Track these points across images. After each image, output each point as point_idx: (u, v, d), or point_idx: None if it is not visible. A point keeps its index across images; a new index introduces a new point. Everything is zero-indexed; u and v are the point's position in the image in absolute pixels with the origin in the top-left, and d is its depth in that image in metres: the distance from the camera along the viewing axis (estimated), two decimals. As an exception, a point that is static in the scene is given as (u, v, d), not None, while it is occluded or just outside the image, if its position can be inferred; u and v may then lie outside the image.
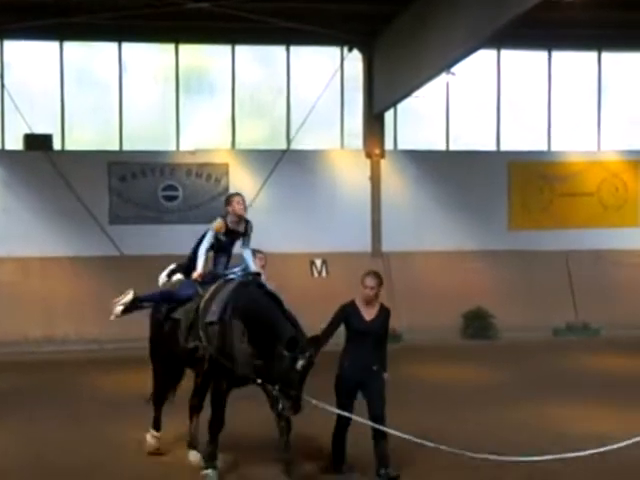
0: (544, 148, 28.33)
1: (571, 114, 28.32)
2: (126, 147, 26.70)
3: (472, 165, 27.41)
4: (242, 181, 26.60)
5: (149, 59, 27.00)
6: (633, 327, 24.70)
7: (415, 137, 28.13)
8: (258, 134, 27.97)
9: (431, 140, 28.09)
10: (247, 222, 11.61)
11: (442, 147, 28.05)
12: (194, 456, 11.34)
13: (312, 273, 26.53)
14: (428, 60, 22.00)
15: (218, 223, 11.41)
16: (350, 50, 27.26)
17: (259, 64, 27.60)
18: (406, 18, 23.67)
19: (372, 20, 25.49)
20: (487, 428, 13.21)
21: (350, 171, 27.30)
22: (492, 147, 28.12)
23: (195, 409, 11.68)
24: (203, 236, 11.52)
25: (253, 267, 11.39)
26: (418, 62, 22.61)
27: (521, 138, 28.23)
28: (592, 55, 28.34)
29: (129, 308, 11.43)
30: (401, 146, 27.98)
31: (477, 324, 25.33)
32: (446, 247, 26.86)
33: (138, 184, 26.46)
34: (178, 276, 11.73)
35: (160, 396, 11.85)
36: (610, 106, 28.45)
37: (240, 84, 27.27)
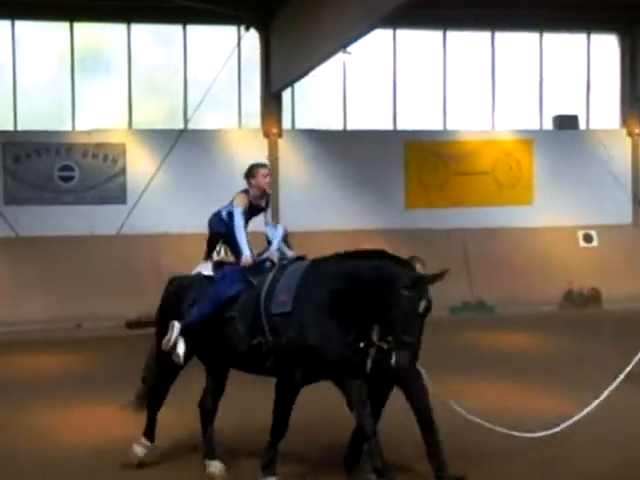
0: (440, 127, 28.68)
1: (466, 94, 28.70)
2: (20, 127, 26.30)
3: (369, 144, 27.62)
4: (139, 161, 26.45)
5: (43, 37, 26.60)
6: (527, 304, 25.22)
7: (313, 116, 28.25)
8: (155, 114, 27.79)
9: (329, 119, 28.23)
10: (268, 196, 10.39)
11: (339, 126, 28.21)
12: (216, 467, 9.97)
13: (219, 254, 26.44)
14: (324, 39, 22.06)
15: (240, 198, 10.07)
16: (247, 29, 27.20)
17: (156, 43, 27.39)
18: (303, -3, 23.72)
19: (269, -1, 25.51)
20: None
21: (248, 150, 27.22)
22: (389, 126, 28.37)
23: (210, 414, 10.27)
24: (219, 218, 10.15)
25: (285, 247, 10.22)
26: (314, 41, 22.67)
27: (417, 117, 28.52)
28: (486, 35, 28.74)
29: (186, 343, 9.81)
30: (299, 125, 28.07)
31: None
32: (344, 226, 27.01)
33: (33, 164, 26.09)
34: (202, 270, 10.20)
35: (159, 397, 10.43)
36: (504, 86, 28.90)
37: (136, 63, 27.04)
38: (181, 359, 9.80)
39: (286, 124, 27.84)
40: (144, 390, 10.53)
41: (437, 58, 28.59)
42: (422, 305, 8.61)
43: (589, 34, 29.20)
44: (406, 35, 28.23)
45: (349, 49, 23.13)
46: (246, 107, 27.81)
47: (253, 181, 10.11)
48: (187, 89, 27.27)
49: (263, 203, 10.27)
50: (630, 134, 29.32)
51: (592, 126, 29.47)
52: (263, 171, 10.17)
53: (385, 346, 8.64)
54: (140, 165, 26.37)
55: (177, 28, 27.11)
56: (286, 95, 27.64)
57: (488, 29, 28.57)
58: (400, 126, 28.38)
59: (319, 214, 27.14)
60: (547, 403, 13.09)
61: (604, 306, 26.16)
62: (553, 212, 28.13)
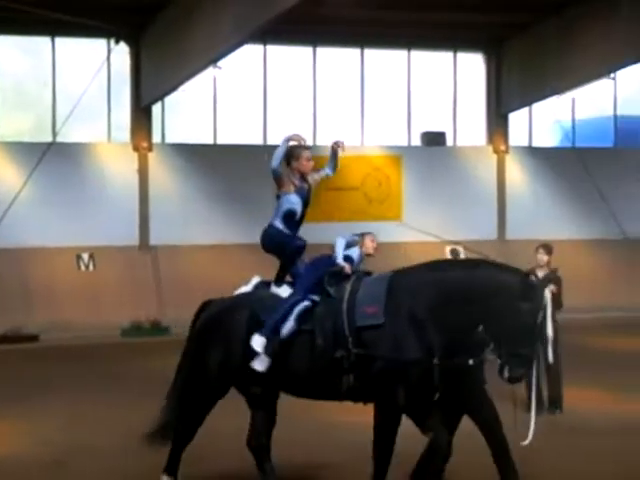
0: (310, 142, 28.79)
1: (336, 109, 28.99)
2: None
3: (239, 158, 27.63)
4: (6, 174, 25.98)
5: None
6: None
7: (183, 130, 28.19)
8: (23, 126, 27.37)
9: (199, 133, 28.20)
10: (308, 183, 9.28)
11: (210, 140, 28.19)
12: None
13: (79, 267, 26.15)
14: (195, 54, 22.10)
15: (285, 183, 9.07)
16: (117, 42, 26.98)
17: (23, 55, 26.99)
18: (172, 11, 23.69)
19: (139, 12, 25.35)
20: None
21: (117, 164, 27.07)
22: (259, 141, 28.47)
23: (266, 450, 9.22)
24: (275, 230, 9.14)
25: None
26: (185, 56, 22.67)
27: (287, 132, 28.56)
28: (355, 52, 29.10)
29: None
30: (169, 139, 27.97)
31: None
32: (214, 240, 27.00)
33: None
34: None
35: (192, 429, 9.30)
36: (373, 102, 29.28)
37: (3, 75, 26.60)
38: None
39: (156, 138, 27.70)
40: (168, 420, 9.26)
41: (307, 74, 28.82)
42: (540, 315, 8.35)
43: (455, 52, 29.82)
44: (276, 50, 28.40)
45: (219, 64, 23.20)
46: (116, 120, 27.59)
47: (295, 164, 9.15)
48: (56, 102, 26.91)
49: (306, 188, 9.20)
50: (496, 151, 30.00)
51: (459, 143, 30.09)
52: (306, 154, 9.28)
53: (498, 360, 8.16)
54: (6, 179, 25.90)
55: (45, 40, 26.75)
56: (156, 109, 27.52)
57: (357, 46, 28.93)
58: (270, 141, 28.48)
59: (189, 228, 27.06)
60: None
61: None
62: (421, 227, 28.55)
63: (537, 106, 29.97)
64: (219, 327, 9.05)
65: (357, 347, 8.35)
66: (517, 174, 30.16)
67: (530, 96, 28.72)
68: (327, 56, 28.93)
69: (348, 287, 8.68)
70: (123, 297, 25.35)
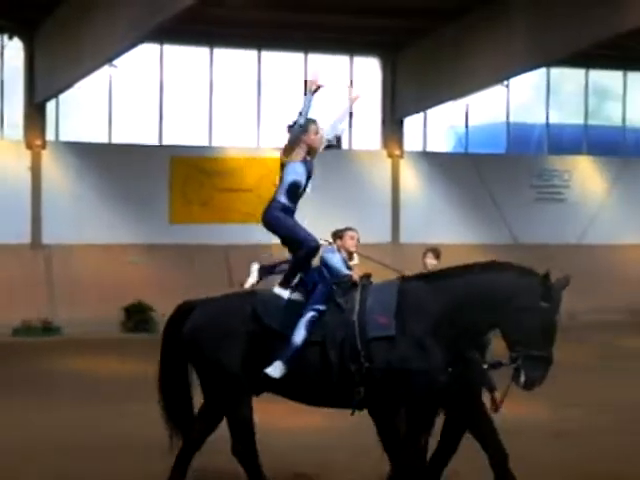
0: (205, 143, 28.79)
1: (232, 111, 28.94)
2: None
3: (134, 158, 27.43)
4: None
5: None
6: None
7: (78, 129, 27.85)
8: None
9: (94, 132, 27.88)
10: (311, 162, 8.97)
11: (105, 139, 27.90)
12: None
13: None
14: (90, 52, 21.86)
15: (295, 151, 8.85)
16: (10, 38, 26.55)
17: None
18: (68, 8, 23.39)
19: (34, 8, 24.98)
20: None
21: (10, 162, 26.62)
22: (155, 141, 28.28)
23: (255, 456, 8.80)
24: (275, 202, 8.86)
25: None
26: (80, 53, 22.41)
27: (183, 133, 28.55)
28: (252, 54, 29.08)
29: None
30: (63, 137, 27.60)
31: (137, 317, 25.45)
32: (108, 240, 26.73)
33: None
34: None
35: (198, 443, 8.98)
36: (269, 103, 29.28)
37: None
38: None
39: (50, 136, 27.31)
40: (178, 429, 8.99)
41: (204, 74, 28.71)
42: (556, 315, 8.19)
43: (352, 56, 30.00)
44: (173, 50, 28.24)
45: (115, 62, 23.00)
46: (9, 117, 27.14)
47: (304, 136, 8.80)
48: (-54, 97, 26.38)
49: (311, 163, 8.94)
50: (390, 155, 30.25)
51: (354, 146, 30.27)
52: (315, 127, 8.88)
53: (513, 364, 8.01)
54: None
55: None
56: (51, 106, 27.13)
57: (254, 47, 28.91)
58: (166, 141, 28.33)
59: (82, 227, 26.73)
60: (302, 419, 13.32)
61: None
62: (317, 229, 28.62)
63: (432, 112, 30.32)
64: (224, 331, 8.60)
65: (369, 360, 8.14)
66: (411, 178, 30.47)
67: (425, 101, 29.04)
68: (224, 57, 28.85)
69: (357, 297, 8.44)
70: (14, 296, 24.93)
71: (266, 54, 29.19)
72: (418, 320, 8.14)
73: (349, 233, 9.35)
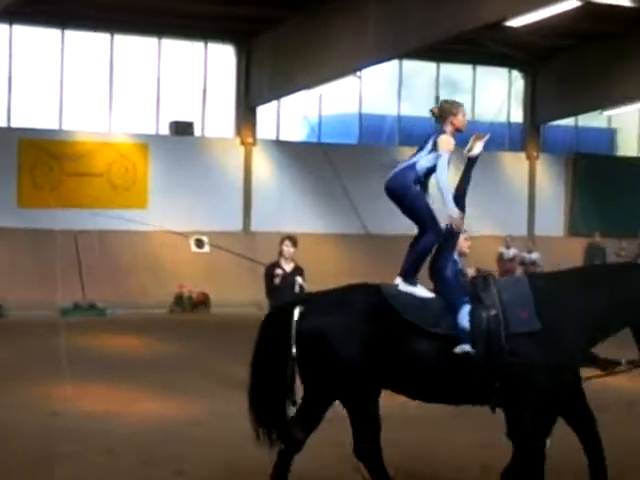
0: (55, 127, 28.26)
1: (83, 94, 28.46)
2: None
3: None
4: None
5: None
6: (139, 307, 25.43)
7: None
8: None
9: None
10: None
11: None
12: None
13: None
14: None
15: (448, 142, 8.34)
16: None
17: None
18: None
19: None
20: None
21: None
22: (3, 123, 27.63)
23: (378, 453, 8.39)
24: (411, 169, 8.37)
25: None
26: None
27: (33, 115, 27.96)
28: (105, 37, 28.64)
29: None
30: None
31: (-17, 303, 24.90)
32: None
33: None
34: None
35: (299, 445, 8.47)
36: (122, 88, 28.92)
37: None
38: None
39: None
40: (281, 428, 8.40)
41: (55, 56, 28.15)
42: None
43: (206, 43, 29.85)
44: (24, 31, 27.61)
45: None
46: None
47: (454, 120, 8.43)
48: None
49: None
50: (243, 143, 30.23)
51: (207, 134, 30.14)
52: (463, 109, 8.56)
53: None
54: None
55: None
56: None
57: (107, 31, 28.49)
58: (15, 123, 27.71)
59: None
60: (150, 406, 13.26)
61: (212, 310, 26.86)
62: (167, 216, 28.45)
63: (285, 100, 30.42)
64: (354, 327, 8.17)
65: (513, 354, 8.01)
66: (264, 167, 30.50)
67: (278, 90, 29.11)
68: (76, 40, 28.33)
69: (494, 290, 8.27)
70: None
71: (119, 38, 28.79)
72: (561, 317, 8.13)
73: (463, 236, 9.25)
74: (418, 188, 8.47)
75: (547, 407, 8.16)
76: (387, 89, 32.35)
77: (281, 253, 13.88)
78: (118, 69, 28.89)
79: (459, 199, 8.58)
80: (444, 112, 8.47)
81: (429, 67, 32.40)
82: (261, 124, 30.76)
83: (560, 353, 8.03)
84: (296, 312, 8.31)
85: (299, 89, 28.63)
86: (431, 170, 8.40)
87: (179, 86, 29.58)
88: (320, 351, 8.17)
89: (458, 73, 33.15)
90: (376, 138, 32.44)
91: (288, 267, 13.74)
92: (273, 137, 31.09)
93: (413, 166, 8.44)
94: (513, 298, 8.18)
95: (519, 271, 28.61)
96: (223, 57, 30.32)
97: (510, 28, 25.08)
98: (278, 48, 28.57)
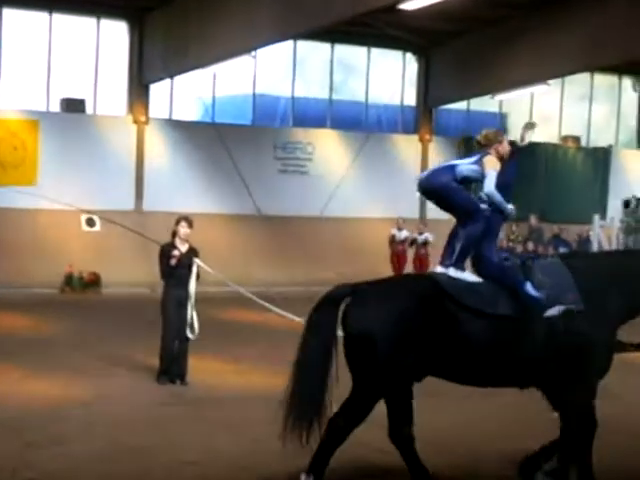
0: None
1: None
2: None
3: None
4: None
5: None
6: (27, 286, 25.07)
7: None
8: None
9: None
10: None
11: None
12: None
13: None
14: None
15: (495, 161, 8.79)
16: None
17: None
18: None
19: None
20: None
21: None
22: None
23: (411, 440, 8.54)
24: (450, 170, 8.71)
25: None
26: None
27: None
28: (-7, 12, 28.04)
29: None
30: None
31: None
32: None
33: None
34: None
35: (343, 437, 8.42)
36: (10, 64, 28.32)
37: None
38: None
39: None
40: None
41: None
42: None
43: (99, 19, 29.38)
44: None
45: None
46: None
47: (499, 147, 8.93)
48: None
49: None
50: (136, 121, 29.85)
51: (99, 111, 29.71)
52: (506, 137, 9.01)
53: None
54: None
55: None
56: None
57: (-5, 5, 27.90)
58: None
59: None
60: (37, 386, 13.06)
61: (104, 290, 26.56)
62: (57, 194, 27.98)
63: (179, 79, 30.12)
64: (414, 315, 8.19)
65: (565, 333, 8.32)
66: (157, 146, 30.17)
67: (172, 68, 28.78)
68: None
69: (539, 274, 8.54)
70: None
71: (8, 11, 28.15)
72: (602, 297, 8.46)
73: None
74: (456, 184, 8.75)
75: (593, 382, 8.48)
76: (281, 70, 32.28)
77: (176, 234, 13.74)
78: (7, 44, 28.26)
79: (506, 191, 8.87)
80: (490, 141, 8.89)
81: (324, 48, 32.42)
82: (154, 103, 30.43)
83: (603, 330, 8.44)
84: (344, 306, 8.33)
85: (193, 68, 28.37)
86: (468, 179, 8.79)
87: (70, 62, 29.07)
88: (375, 345, 8.13)
89: (353, 55, 33.23)
90: (270, 119, 32.36)
91: (183, 248, 13.63)
92: (166, 116, 30.77)
93: (452, 168, 8.77)
94: (557, 280, 8.51)
95: (410, 253, 29.01)
96: (116, 33, 29.87)
97: (404, 11, 25.22)
98: (172, 26, 28.23)
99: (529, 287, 8.39)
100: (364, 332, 8.17)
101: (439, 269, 8.70)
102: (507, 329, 8.31)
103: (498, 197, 8.64)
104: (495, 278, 8.55)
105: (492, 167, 8.68)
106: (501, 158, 8.86)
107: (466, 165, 8.77)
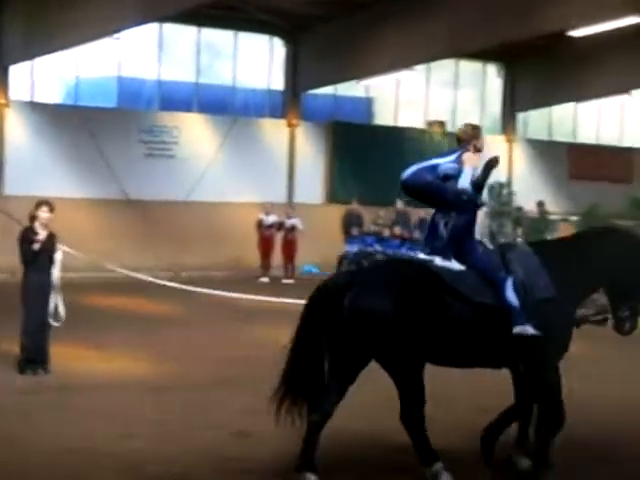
0: None
1: None
2: None
3: None
4: None
5: None
6: None
7: None
8: None
9: None
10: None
11: None
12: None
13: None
14: None
15: (473, 158, 9.32)
16: None
17: None
18: None
19: None
20: None
21: None
22: None
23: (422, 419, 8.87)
24: (432, 170, 9.18)
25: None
26: None
27: None
28: None
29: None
30: None
31: None
32: None
33: None
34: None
35: (329, 416, 8.72)
36: None
37: None
38: None
39: None
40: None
41: None
42: None
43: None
44: None
45: None
46: None
47: (476, 142, 9.48)
48: None
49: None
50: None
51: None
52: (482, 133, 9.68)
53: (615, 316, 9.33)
54: None
55: None
56: None
57: None
58: None
59: None
60: None
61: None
62: None
63: (41, 60, 29.36)
64: (414, 300, 8.59)
65: (539, 318, 8.77)
66: (18, 129, 29.37)
67: (34, 50, 28.00)
68: None
69: (515, 261, 9.00)
70: None
71: None
72: (563, 282, 8.94)
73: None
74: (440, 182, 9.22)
75: (556, 361, 9.06)
76: (147, 53, 31.83)
77: (36, 218, 13.38)
78: None
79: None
80: (470, 137, 9.44)
81: (190, 32, 32.06)
82: (14, 84, 29.59)
83: (568, 313, 9.11)
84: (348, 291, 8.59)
85: (55, 49, 27.70)
86: (448, 177, 9.18)
87: None
88: (376, 326, 8.47)
89: (219, 38, 32.95)
90: (135, 102, 31.87)
91: (43, 233, 13.28)
92: (27, 98, 30.00)
93: (434, 168, 9.23)
94: (530, 268, 8.99)
95: (278, 237, 28.97)
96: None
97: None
98: (34, 6, 27.47)
99: (510, 290, 8.85)
100: (372, 315, 8.48)
101: (421, 256, 9.16)
102: (488, 315, 8.77)
103: (471, 192, 9.12)
104: (479, 268, 9.01)
105: (470, 164, 9.20)
106: (478, 152, 9.41)
107: (448, 164, 9.24)
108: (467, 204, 9.13)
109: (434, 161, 9.34)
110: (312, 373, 8.59)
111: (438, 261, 8.96)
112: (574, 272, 9.13)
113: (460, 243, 9.10)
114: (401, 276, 8.79)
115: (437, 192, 9.18)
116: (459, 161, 9.22)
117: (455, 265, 8.99)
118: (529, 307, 8.78)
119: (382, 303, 8.50)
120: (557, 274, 8.98)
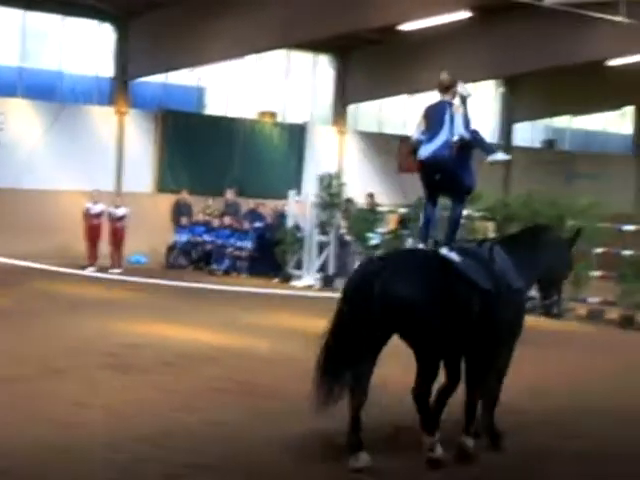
0: None
1: None
2: None
3: None
4: None
5: None
6: None
7: None
8: None
9: None
10: None
11: None
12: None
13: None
14: None
15: (459, 106, 9.73)
16: None
17: None
18: None
19: None
20: None
21: None
22: None
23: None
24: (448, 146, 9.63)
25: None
26: None
27: None
28: None
29: None
30: None
31: None
32: None
33: None
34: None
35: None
36: None
37: None
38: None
39: None
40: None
41: None
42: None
43: None
44: None
45: None
46: None
47: (458, 88, 9.79)
48: None
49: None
50: None
51: None
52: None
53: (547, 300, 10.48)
54: None
55: None
56: None
57: None
58: None
59: None
60: None
61: None
62: None
63: None
64: (439, 289, 9.10)
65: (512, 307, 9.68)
66: None
67: None
68: None
69: (497, 257, 9.71)
70: None
71: None
72: (524, 274, 9.79)
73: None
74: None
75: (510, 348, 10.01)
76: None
77: None
78: None
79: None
80: (452, 83, 9.72)
81: (15, 14, 31.16)
82: None
83: (525, 301, 10.29)
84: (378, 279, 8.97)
85: None
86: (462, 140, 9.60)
87: None
88: (408, 313, 8.95)
89: (47, 23, 32.13)
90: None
91: None
92: None
93: (448, 143, 9.59)
94: (502, 261, 9.66)
95: (106, 226, 28.45)
96: None
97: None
98: None
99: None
100: (407, 302, 8.93)
101: (421, 246, 9.91)
102: (489, 301, 9.31)
103: (469, 136, 9.66)
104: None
105: (459, 111, 9.62)
106: (461, 98, 9.78)
107: (455, 129, 9.58)
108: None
109: (442, 134, 9.61)
110: (352, 358, 8.92)
111: (444, 251, 9.44)
112: (527, 264, 9.92)
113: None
114: (425, 264, 9.34)
115: (455, 170, 9.75)
116: (453, 109, 9.67)
117: (455, 256, 9.40)
118: (507, 295, 9.44)
119: (410, 289, 8.96)
120: (517, 267, 9.76)
